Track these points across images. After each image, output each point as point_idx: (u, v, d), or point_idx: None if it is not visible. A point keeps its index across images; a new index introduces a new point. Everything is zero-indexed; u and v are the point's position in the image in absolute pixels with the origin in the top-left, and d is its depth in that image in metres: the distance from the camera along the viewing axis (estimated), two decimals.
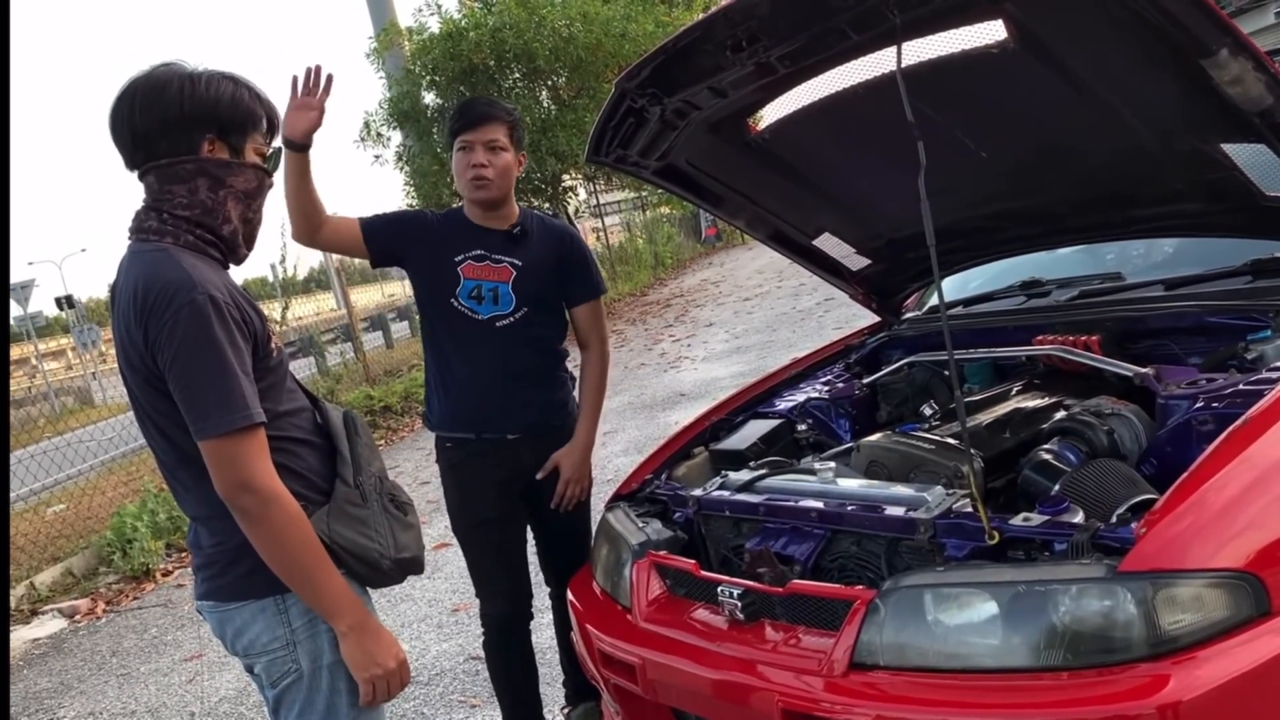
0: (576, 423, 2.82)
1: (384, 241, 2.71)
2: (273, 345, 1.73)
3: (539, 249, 2.73)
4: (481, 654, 3.78)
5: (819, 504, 2.08)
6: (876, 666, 1.74)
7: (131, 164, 1.72)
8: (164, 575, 6.33)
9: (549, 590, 2.99)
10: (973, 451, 2.15)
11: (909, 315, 3.23)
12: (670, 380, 8.94)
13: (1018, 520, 1.80)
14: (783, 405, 2.88)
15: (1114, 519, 1.80)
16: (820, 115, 2.40)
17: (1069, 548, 1.71)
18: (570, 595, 2.58)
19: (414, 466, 7.81)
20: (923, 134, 2.45)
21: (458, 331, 2.68)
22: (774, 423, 2.75)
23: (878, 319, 3.36)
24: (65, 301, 31.54)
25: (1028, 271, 3.04)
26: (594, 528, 2.89)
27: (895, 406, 2.82)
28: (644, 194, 23.70)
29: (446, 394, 2.73)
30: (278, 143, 1.84)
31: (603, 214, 23.65)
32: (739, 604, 1.99)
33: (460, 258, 2.67)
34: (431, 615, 4.42)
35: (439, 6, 15.09)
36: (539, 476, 2.78)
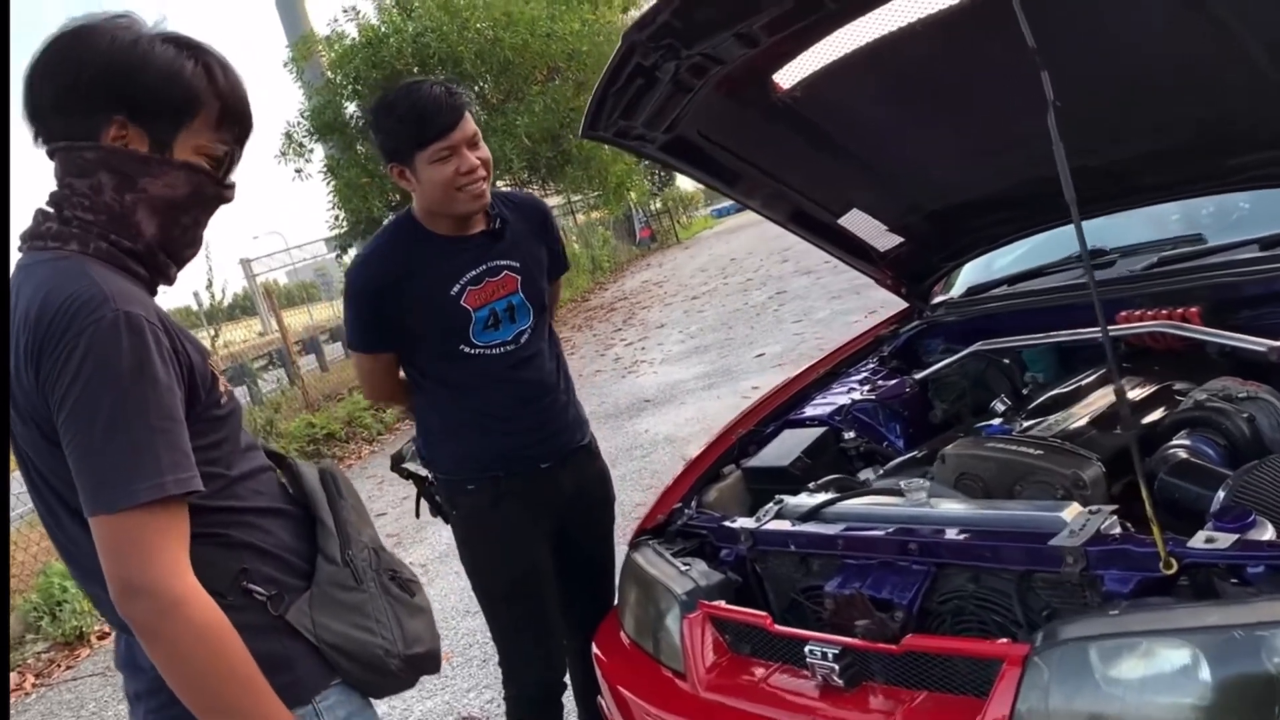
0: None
1: (392, 343, 2.25)
2: (221, 389, 1.28)
3: (523, 236, 2.27)
4: (476, 716, 3.36)
5: (920, 533, 1.69)
6: None
7: (35, 137, 1.29)
8: (99, 639, 5.72)
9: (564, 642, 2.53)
10: (1089, 454, 1.79)
11: (940, 299, 2.86)
12: (631, 386, 8.52)
13: (1198, 542, 1.42)
14: (818, 410, 2.49)
15: None
16: (864, 65, 2.01)
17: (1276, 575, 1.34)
18: (597, 651, 2.16)
19: (366, 497, 7.28)
20: (988, 81, 2.10)
21: (475, 371, 2.20)
22: (815, 432, 2.36)
23: (871, 318, 3.00)
24: None
25: (1066, 241, 2.70)
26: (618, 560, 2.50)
27: (950, 404, 2.45)
28: (575, 200, 23.28)
29: (461, 435, 2.24)
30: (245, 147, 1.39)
31: None
32: (836, 667, 1.59)
33: (457, 289, 2.16)
34: None
35: (358, 12, 14.49)
36: None
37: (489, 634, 2.46)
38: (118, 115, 1.26)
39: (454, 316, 2.16)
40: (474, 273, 2.17)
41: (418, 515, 2.49)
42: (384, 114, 2.14)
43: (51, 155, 1.28)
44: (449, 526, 2.41)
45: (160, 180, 1.28)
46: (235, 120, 1.35)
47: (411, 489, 2.53)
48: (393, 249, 2.21)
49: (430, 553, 5.38)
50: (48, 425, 1.18)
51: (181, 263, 1.35)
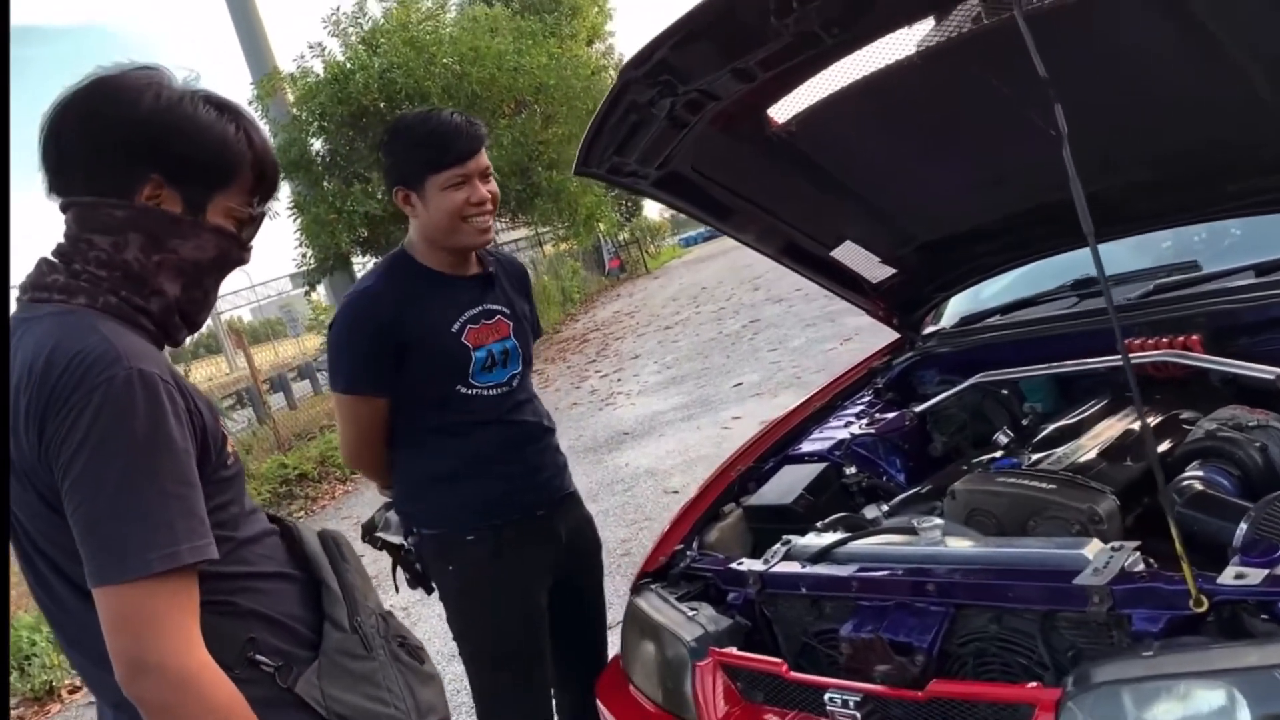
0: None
1: (386, 384, 2.11)
2: (229, 449, 1.23)
3: (509, 289, 2.25)
4: None
5: (937, 573, 1.65)
6: None
7: (50, 189, 1.24)
8: (70, 693, 5.56)
9: (554, 699, 2.39)
10: (1103, 488, 1.77)
11: (931, 330, 2.84)
12: (608, 419, 8.47)
13: (1228, 578, 1.40)
14: (816, 446, 2.45)
15: None
16: (859, 99, 2.00)
17: None
18: (601, 707, 2.10)
19: None
20: (983, 113, 2.10)
21: (470, 412, 2.13)
22: (816, 468, 2.32)
23: (847, 345, 2.98)
24: None
25: (1053, 270, 2.70)
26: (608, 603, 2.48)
27: (950, 436, 2.42)
28: (543, 231, 23.30)
29: (456, 482, 2.15)
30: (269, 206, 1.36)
31: None
32: (858, 714, 1.55)
33: (458, 325, 2.11)
34: None
35: (323, 49, 14.43)
36: None
37: None
38: (155, 174, 1.22)
39: (456, 353, 2.09)
40: (472, 312, 2.13)
41: (396, 590, 2.36)
42: (398, 137, 2.10)
43: (65, 209, 1.23)
44: (433, 589, 2.29)
45: (190, 243, 1.25)
46: (266, 185, 1.32)
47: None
48: (392, 280, 2.13)
49: (411, 594, 5.26)
50: (49, 490, 1.11)
51: (194, 326, 1.31)
